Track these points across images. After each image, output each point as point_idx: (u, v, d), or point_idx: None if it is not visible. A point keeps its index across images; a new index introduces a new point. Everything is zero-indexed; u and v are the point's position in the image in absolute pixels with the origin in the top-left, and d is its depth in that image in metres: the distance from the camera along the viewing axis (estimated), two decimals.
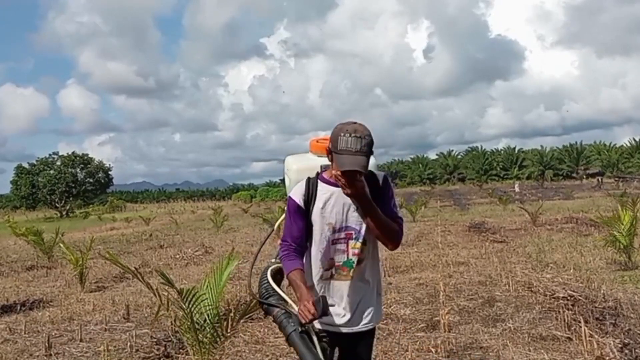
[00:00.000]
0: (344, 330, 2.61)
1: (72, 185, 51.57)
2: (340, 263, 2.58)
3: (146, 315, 6.67)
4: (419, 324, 5.64)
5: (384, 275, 8.42)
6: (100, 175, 54.35)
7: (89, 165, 53.66)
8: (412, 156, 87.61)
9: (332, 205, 2.55)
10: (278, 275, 2.76)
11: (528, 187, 47.29)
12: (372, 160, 2.63)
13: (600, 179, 43.94)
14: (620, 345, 4.56)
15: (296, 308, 2.49)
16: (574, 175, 67.57)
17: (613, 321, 5.25)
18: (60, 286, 9.42)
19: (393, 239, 2.57)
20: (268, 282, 2.73)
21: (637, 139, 69.35)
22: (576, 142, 73.99)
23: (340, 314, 2.61)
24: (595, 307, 5.79)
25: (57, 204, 50.58)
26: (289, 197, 2.61)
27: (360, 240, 2.57)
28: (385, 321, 5.77)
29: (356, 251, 2.58)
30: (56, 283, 9.76)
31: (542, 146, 77.58)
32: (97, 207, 53.96)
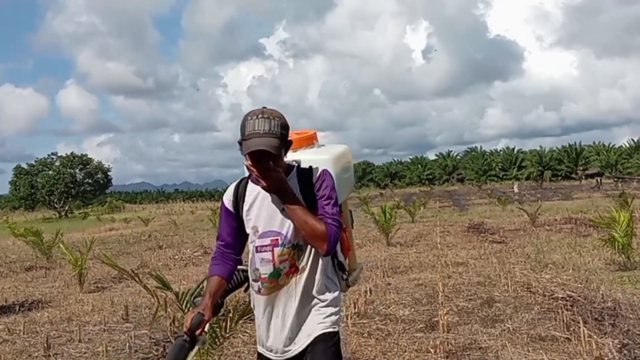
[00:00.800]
0: (272, 357, 2.33)
1: (71, 185, 51.53)
2: (266, 275, 2.26)
3: (145, 316, 6.67)
4: (417, 324, 5.63)
5: (383, 276, 8.42)
6: (99, 175, 54.32)
7: (88, 166, 53.63)
8: (411, 157, 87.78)
9: (258, 207, 2.28)
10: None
11: (527, 188, 47.29)
12: (325, 154, 2.47)
13: (599, 180, 43.97)
14: (619, 346, 4.56)
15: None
16: (573, 175, 67.59)
17: (612, 322, 5.26)
18: (59, 287, 9.41)
19: (317, 241, 2.19)
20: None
21: (636, 140, 69.47)
22: (575, 143, 74.09)
23: (265, 337, 2.34)
24: (594, 308, 5.79)
25: (56, 205, 50.53)
26: (221, 199, 2.41)
27: (288, 245, 2.25)
28: (384, 322, 5.77)
29: (284, 257, 2.25)
30: (55, 284, 9.75)
31: (541, 147, 77.70)
32: (96, 207, 53.92)
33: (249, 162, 2.14)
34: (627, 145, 70.30)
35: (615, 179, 47.76)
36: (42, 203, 52.51)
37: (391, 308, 6.36)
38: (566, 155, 72.49)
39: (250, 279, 2.35)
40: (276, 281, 2.26)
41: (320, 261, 2.30)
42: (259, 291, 2.30)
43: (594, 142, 74.77)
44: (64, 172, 51.80)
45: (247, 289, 2.48)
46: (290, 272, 2.27)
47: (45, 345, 5.39)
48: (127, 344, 5.30)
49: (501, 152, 78.99)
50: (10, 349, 5.57)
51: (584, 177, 57.60)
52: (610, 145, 72.81)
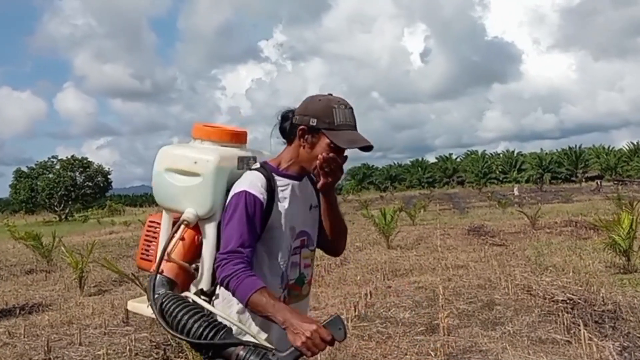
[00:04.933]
0: None
1: (71, 189, 51.54)
2: (293, 280, 2.00)
3: (145, 319, 6.66)
4: (418, 327, 5.63)
5: (383, 279, 8.43)
6: (99, 179, 54.33)
7: (88, 169, 53.65)
8: (411, 159, 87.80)
9: (293, 204, 1.99)
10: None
11: (527, 191, 47.29)
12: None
13: (599, 182, 43.99)
14: (619, 349, 4.56)
15: (263, 341, 1.83)
16: (573, 178, 67.64)
17: (612, 324, 5.26)
18: (59, 290, 9.40)
19: (344, 242, 2.14)
20: (194, 308, 1.84)
21: (636, 142, 69.52)
22: (575, 146, 74.16)
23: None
24: (595, 311, 5.80)
25: (56, 208, 50.52)
26: (244, 191, 1.89)
27: (312, 247, 2.08)
28: (384, 324, 5.78)
29: (307, 262, 2.06)
30: (55, 287, 9.75)
31: (541, 149, 77.77)
32: (96, 210, 53.94)
33: (332, 154, 1.87)
34: (627, 148, 70.35)
35: (615, 182, 47.79)
36: (43, 206, 52.52)
37: (391, 311, 6.36)
38: (566, 158, 72.53)
39: (280, 291, 1.95)
40: (300, 289, 2.03)
41: None
42: (283, 302, 1.88)
43: (593, 145, 74.85)
44: (64, 176, 51.81)
45: None
46: (311, 282, 2.07)
47: (46, 348, 5.39)
48: (128, 347, 5.29)
49: (501, 155, 79.05)
50: (11, 353, 5.57)
51: (584, 180, 57.67)
52: (610, 148, 72.86)
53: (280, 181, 1.98)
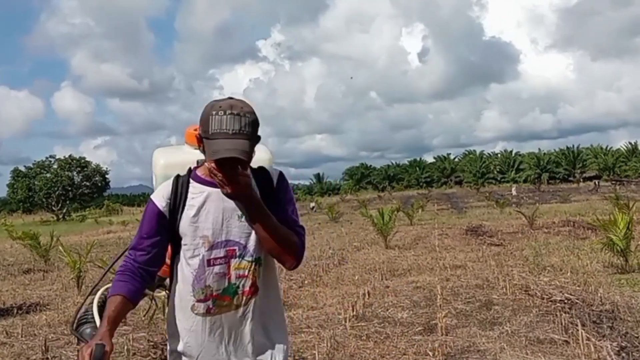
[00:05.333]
0: None
1: (68, 188, 51.54)
2: (220, 291, 1.90)
3: (143, 318, 6.65)
4: (416, 327, 5.63)
5: (381, 279, 8.43)
6: (97, 178, 54.35)
7: (85, 169, 53.67)
8: (409, 159, 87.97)
9: (208, 212, 1.90)
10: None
11: (525, 191, 47.37)
12: (265, 153, 2.12)
13: (597, 183, 44.09)
14: (617, 349, 4.56)
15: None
16: (571, 178, 67.79)
17: (610, 324, 5.26)
18: (57, 289, 9.39)
19: (292, 253, 1.92)
20: (91, 304, 2.13)
21: (634, 142, 69.71)
22: (573, 146, 74.38)
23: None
24: (593, 311, 5.80)
25: (53, 207, 50.52)
26: (150, 199, 1.96)
27: (248, 257, 1.91)
28: (382, 324, 5.77)
29: (242, 272, 1.91)
30: (53, 286, 9.73)
31: (539, 149, 77.95)
32: (93, 210, 53.91)
33: (213, 165, 1.78)
34: (625, 148, 70.53)
35: (613, 182, 47.89)
36: (40, 206, 52.54)
37: (389, 311, 6.36)
38: (564, 158, 72.69)
39: (194, 299, 1.91)
40: (231, 300, 1.91)
41: (273, 277, 2.01)
42: (207, 312, 1.91)
43: (591, 145, 75.11)
44: (62, 175, 51.81)
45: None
46: (249, 293, 1.92)
47: (44, 348, 5.38)
48: (125, 347, 5.28)
49: (499, 155, 79.23)
50: (9, 352, 5.55)
51: (581, 180, 57.77)
52: (608, 148, 73.05)
53: (194, 188, 1.92)
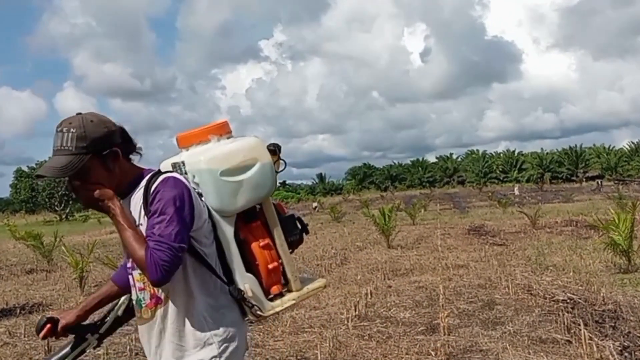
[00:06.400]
0: None
1: None
2: (134, 301, 1.97)
3: None
4: (418, 327, 5.63)
5: (383, 279, 8.42)
6: None
7: None
8: (411, 159, 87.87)
9: None
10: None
11: (528, 190, 47.33)
12: (197, 155, 1.95)
13: (599, 182, 44.02)
14: (619, 348, 4.56)
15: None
16: (574, 178, 67.69)
17: (613, 324, 5.26)
18: (59, 290, 9.41)
19: (142, 270, 1.77)
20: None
21: (636, 142, 69.57)
22: (575, 145, 74.31)
23: None
24: (595, 310, 5.80)
25: (56, 208, 50.58)
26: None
27: (138, 269, 1.85)
28: (384, 324, 5.78)
29: (140, 285, 1.89)
30: (56, 286, 9.75)
31: (541, 149, 77.88)
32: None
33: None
34: (627, 147, 70.41)
35: (616, 182, 47.81)
36: (43, 206, 52.59)
37: (392, 310, 6.36)
38: (566, 158, 72.59)
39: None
40: (140, 312, 1.93)
41: (197, 288, 1.86)
42: (138, 320, 1.99)
43: (594, 145, 75.03)
44: None
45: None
46: (152, 305, 1.89)
47: (46, 348, 5.39)
48: (128, 347, 5.29)
49: (501, 155, 79.13)
50: (12, 352, 5.57)
51: (584, 180, 57.67)
52: (611, 148, 72.93)
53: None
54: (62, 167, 1.77)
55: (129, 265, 1.92)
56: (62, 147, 1.78)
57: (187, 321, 1.87)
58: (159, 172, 1.89)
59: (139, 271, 1.86)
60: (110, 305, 2.16)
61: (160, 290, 1.86)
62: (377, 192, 69.98)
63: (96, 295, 2.10)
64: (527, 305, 6.24)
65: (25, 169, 54.07)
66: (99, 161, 1.82)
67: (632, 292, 6.56)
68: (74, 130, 1.78)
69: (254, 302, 1.92)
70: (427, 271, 9.00)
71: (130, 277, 1.94)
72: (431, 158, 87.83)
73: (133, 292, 1.95)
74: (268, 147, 2.06)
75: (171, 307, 1.87)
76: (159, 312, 1.88)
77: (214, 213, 1.90)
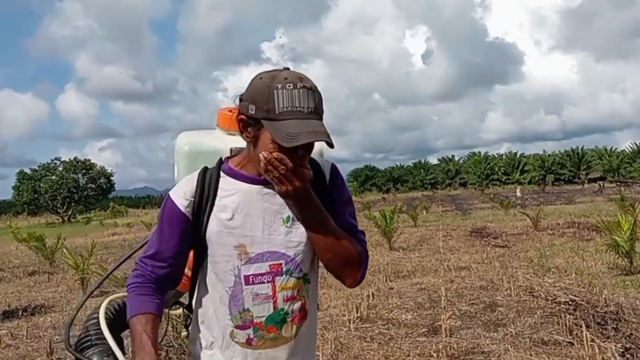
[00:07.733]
0: None
1: (74, 190, 51.71)
2: (262, 319, 1.48)
3: None
4: (420, 328, 5.63)
5: (385, 280, 8.43)
6: (102, 180, 54.53)
7: (90, 171, 53.86)
8: (413, 161, 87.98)
9: (245, 215, 1.48)
10: (121, 318, 1.72)
11: (530, 192, 47.26)
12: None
13: (602, 184, 43.93)
14: (621, 350, 4.56)
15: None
16: (576, 180, 67.57)
17: (615, 326, 5.25)
18: (61, 292, 9.42)
19: (356, 266, 1.56)
20: (96, 322, 1.81)
21: (638, 144, 69.47)
22: (577, 147, 74.23)
23: None
24: (597, 312, 5.79)
25: (59, 210, 50.67)
26: (168, 196, 1.54)
27: (297, 275, 1.50)
28: (386, 326, 5.77)
29: (291, 294, 1.50)
30: (58, 288, 9.76)
31: (543, 151, 77.84)
32: (98, 212, 54.02)
33: (276, 154, 1.38)
34: (630, 149, 70.29)
35: (618, 184, 47.73)
36: (45, 208, 52.71)
37: (394, 312, 6.36)
38: (569, 160, 72.52)
39: (231, 325, 1.50)
40: (279, 331, 1.50)
41: (317, 298, 1.62)
42: (248, 343, 1.50)
43: (596, 147, 74.91)
44: (67, 177, 52.00)
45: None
46: (299, 319, 1.52)
47: (48, 350, 5.40)
48: (130, 349, 5.30)
49: (503, 157, 79.10)
50: (14, 354, 5.58)
51: (586, 182, 57.58)
52: (613, 150, 72.82)
53: (226, 184, 1.51)
54: (329, 134, 1.38)
55: (263, 271, 1.48)
56: (317, 110, 1.40)
57: (312, 342, 1.60)
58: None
59: (291, 276, 1.50)
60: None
61: (309, 303, 1.54)
62: (379, 194, 69.93)
63: (155, 339, 1.49)
64: (529, 307, 6.24)
65: (27, 171, 54.15)
66: None
67: (634, 294, 6.55)
68: (319, 93, 1.42)
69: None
70: (429, 273, 9.00)
71: (262, 285, 1.48)
72: (433, 160, 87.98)
73: (264, 305, 1.48)
74: None
75: (311, 325, 1.57)
76: (304, 328, 1.53)
77: None
